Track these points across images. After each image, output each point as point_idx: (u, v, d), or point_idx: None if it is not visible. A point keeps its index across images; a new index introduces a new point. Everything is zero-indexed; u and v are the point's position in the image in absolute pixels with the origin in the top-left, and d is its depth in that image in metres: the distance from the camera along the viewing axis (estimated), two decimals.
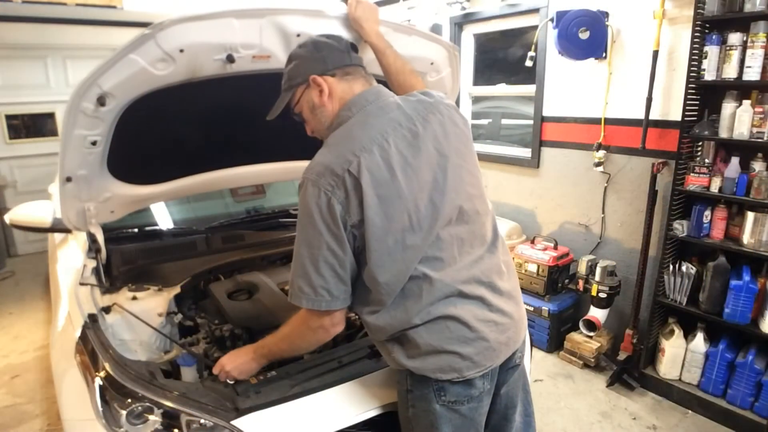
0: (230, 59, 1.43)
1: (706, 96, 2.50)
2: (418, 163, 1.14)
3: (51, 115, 5.21)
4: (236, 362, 1.36)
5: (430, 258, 1.15)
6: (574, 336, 3.09)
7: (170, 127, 1.69)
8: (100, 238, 1.83)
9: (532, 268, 3.22)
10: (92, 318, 1.52)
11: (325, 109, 1.23)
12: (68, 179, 1.59)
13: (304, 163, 1.20)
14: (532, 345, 1.76)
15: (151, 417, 1.25)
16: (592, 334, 3.04)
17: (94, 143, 1.52)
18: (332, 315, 1.18)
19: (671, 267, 2.67)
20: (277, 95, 1.31)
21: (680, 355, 2.69)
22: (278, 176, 2.20)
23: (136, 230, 2.08)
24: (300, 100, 1.26)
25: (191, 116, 1.73)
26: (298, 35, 1.43)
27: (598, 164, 3.01)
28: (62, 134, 1.45)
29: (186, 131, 1.76)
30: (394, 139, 1.14)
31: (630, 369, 2.86)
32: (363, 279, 1.17)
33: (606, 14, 2.86)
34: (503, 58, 4.04)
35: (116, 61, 1.33)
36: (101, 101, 1.39)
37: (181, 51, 1.34)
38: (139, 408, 1.26)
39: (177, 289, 1.82)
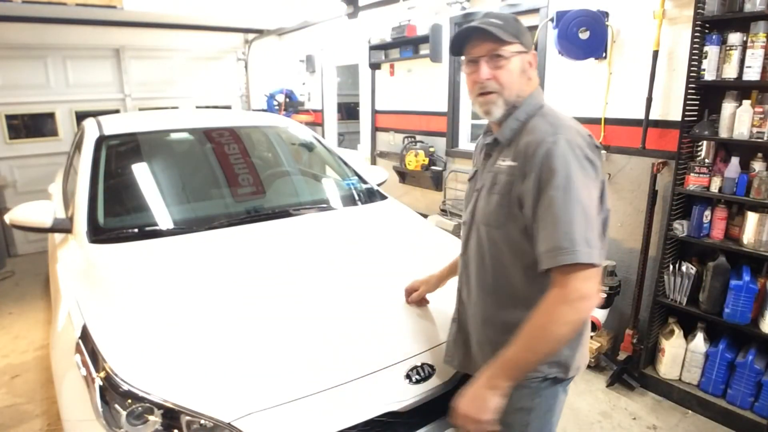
0: None
1: (706, 96, 2.50)
2: None
3: (51, 115, 5.22)
4: (476, 406, 1.16)
5: None
6: None
7: None
8: None
9: None
10: None
11: (529, 81, 1.27)
12: None
13: None
14: None
15: (151, 417, 1.25)
16: (592, 334, 3.03)
17: None
18: (599, 273, 1.10)
19: (671, 267, 2.67)
20: None
21: (680, 355, 2.69)
22: None
23: (136, 230, 2.08)
24: (511, 56, 1.22)
25: None
26: None
27: None
28: None
29: None
30: None
31: (630, 369, 2.86)
32: None
33: (606, 14, 2.86)
34: None
35: None
36: None
37: None
38: (140, 408, 1.26)
39: None
